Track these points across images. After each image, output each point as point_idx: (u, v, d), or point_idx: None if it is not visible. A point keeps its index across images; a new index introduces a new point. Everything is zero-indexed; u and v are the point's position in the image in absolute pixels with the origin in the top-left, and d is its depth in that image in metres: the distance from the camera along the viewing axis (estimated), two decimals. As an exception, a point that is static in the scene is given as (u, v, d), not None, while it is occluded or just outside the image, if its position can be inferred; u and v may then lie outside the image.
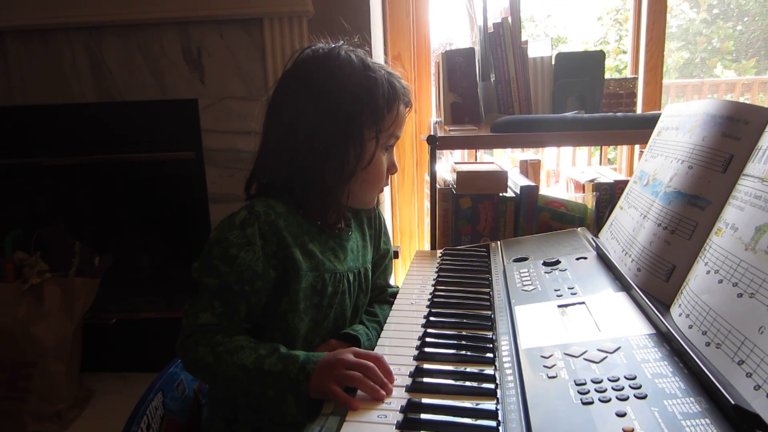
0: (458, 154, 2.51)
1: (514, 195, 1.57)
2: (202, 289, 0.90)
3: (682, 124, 0.93)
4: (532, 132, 1.48)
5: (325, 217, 0.97)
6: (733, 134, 0.78)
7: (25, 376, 1.75)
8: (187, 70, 1.82)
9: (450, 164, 1.86)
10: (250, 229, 0.88)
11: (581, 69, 1.76)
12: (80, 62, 1.84)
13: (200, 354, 0.85)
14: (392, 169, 1.03)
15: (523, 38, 1.74)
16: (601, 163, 2.19)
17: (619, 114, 1.49)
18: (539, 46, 1.81)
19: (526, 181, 1.62)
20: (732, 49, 4.85)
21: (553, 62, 1.75)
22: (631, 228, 0.97)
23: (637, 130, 1.39)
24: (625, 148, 2.20)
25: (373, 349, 0.98)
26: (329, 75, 0.93)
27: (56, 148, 1.96)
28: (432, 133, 1.49)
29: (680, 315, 0.73)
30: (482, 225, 1.58)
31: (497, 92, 1.75)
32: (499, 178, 1.55)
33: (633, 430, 0.58)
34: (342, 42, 0.99)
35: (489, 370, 0.78)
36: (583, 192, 1.67)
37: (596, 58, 1.77)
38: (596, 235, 1.20)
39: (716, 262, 0.70)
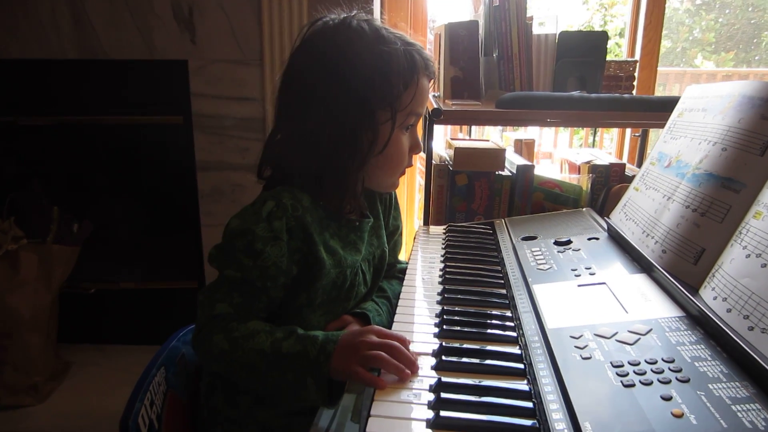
0: (449, 131, 2.48)
1: (510, 174, 1.54)
2: (221, 280, 0.85)
3: (710, 106, 0.92)
4: (539, 110, 1.45)
5: (341, 206, 0.92)
6: (773, 116, 0.77)
7: (0, 347, 1.67)
8: (177, 30, 1.73)
9: (444, 140, 1.83)
10: (278, 222, 0.83)
11: (583, 49, 1.73)
12: (60, 15, 1.73)
13: (215, 342, 0.80)
14: (415, 149, 0.96)
15: (528, 14, 1.70)
16: (594, 146, 2.19)
17: (625, 95, 1.47)
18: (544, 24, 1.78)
19: (522, 161, 1.60)
20: (712, 41, 4.91)
21: (556, 41, 1.72)
22: (653, 210, 0.95)
23: (649, 112, 1.38)
24: (615, 131, 2.20)
25: (385, 323, 0.96)
26: (339, 52, 0.86)
27: (32, 107, 1.85)
28: (435, 107, 1.45)
29: (715, 298, 0.72)
30: (477, 203, 1.55)
31: (499, 68, 1.71)
32: (497, 156, 1.53)
33: (683, 414, 0.56)
34: (355, 11, 0.92)
35: (514, 350, 0.77)
36: (578, 173, 1.66)
37: (599, 39, 1.75)
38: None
39: (758, 246, 0.69)
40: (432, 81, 0.96)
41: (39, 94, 1.84)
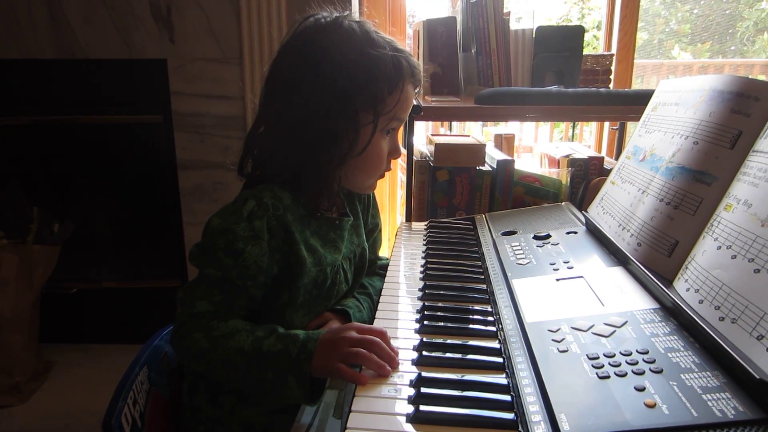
0: (429, 127, 2.48)
1: (490, 169, 1.56)
2: (201, 278, 0.85)
3: (683, 100, 0.93)
4: (518, 105, 1.47)
5: (316, 203, 0.92)
6: (742, 110, 0.78)
7: (-19, 348, 1.66)
8: (156, 28, 1.72)
9: (425, 136, 1.84)
10: (259, 222, 0.83)
11: (560, 44, 1.75)
12: (37, 14, 1.71)
13: (194, 340, 0.80)
14: (394, 153, 0.97)
15: (506, 9, 1.71)
16: (573, 139, 2.21)
17: (602, 90, 1.49)
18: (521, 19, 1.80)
19: (502, 155, 1.61)
20: (688, 32, 4.97)
21: (534, 35, 1.74)
22: (628, 203, 0.97)
23: (625, 106, 1.40)
24: (594, 124, 2.23)
25: (365, 319, 0.97)
26: (326, 50, 0.86)
27: (10, 106, 1.83)
28: (416, 104, 1.46)
29: (688, 290, 0.74)
30: (458, 198, 1.57)
31: (478, 64, 1.73)
32: (477, 151, 1.54)
33: (655, 404, 0.57)
34: (347, 12, 0.93)
35: (493, 344, 0.78)
36: (558, 167, 1.68)
37: (575, 33, 1.77)
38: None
39: (728, 238, 0.70)
40: (417, 88, 0.97)
41: (17, 93, 1.83)
